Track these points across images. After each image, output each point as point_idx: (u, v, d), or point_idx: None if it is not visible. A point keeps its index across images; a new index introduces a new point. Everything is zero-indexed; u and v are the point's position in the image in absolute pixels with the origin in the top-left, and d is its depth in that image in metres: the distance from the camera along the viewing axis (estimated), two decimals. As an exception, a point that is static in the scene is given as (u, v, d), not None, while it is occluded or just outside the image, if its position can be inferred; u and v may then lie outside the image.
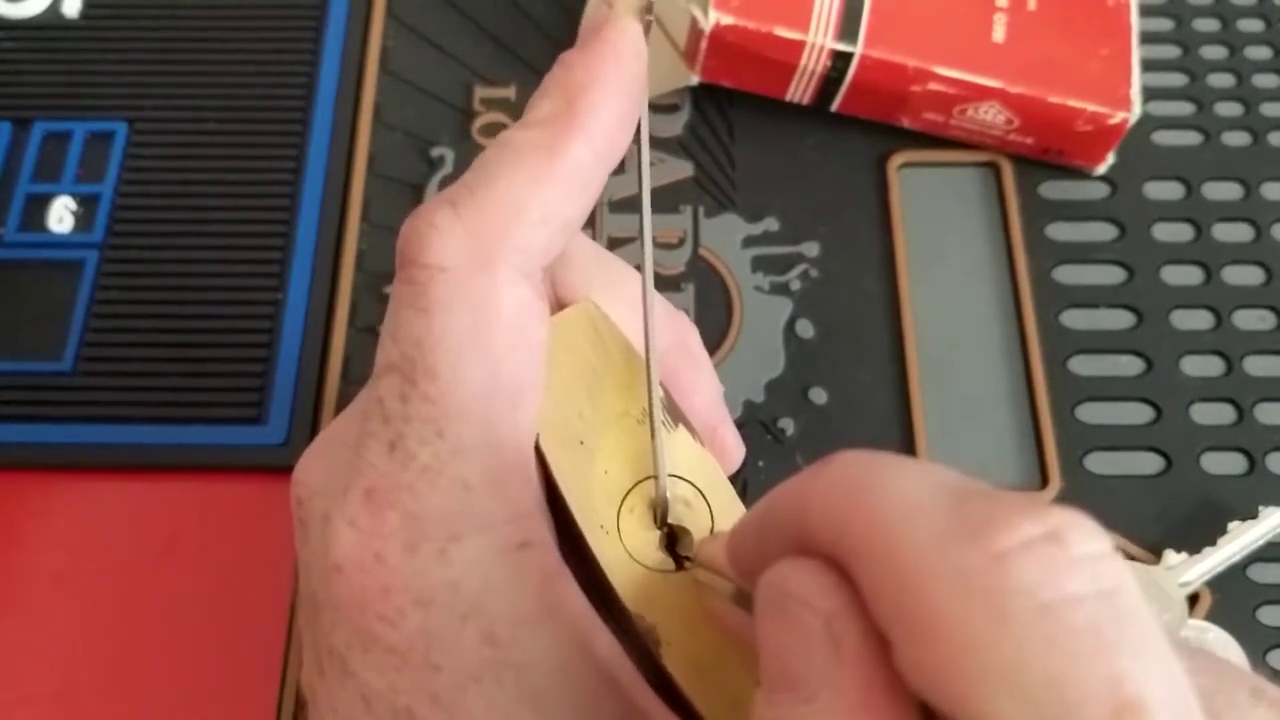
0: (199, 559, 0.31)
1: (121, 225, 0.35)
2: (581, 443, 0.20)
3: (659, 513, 0.20)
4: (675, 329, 0.23)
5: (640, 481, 0.20)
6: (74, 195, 0.35)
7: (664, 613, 0.19)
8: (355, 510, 0.18)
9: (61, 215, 0.35)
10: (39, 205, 0.35)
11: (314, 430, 0.32)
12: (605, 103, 0.19)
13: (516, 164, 0.19)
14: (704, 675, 0.19)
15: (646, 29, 0.20)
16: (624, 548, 0.19)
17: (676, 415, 0.21)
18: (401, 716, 0.17)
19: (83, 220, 0.35)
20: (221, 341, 0.33)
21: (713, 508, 0.20)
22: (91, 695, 0.29)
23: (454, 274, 0.18)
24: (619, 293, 0.21)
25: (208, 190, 0.36)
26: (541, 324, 0.19)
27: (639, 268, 0.21)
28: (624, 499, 0.20)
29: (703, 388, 0.23)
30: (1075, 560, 0.12)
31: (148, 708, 0.29)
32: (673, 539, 0.20)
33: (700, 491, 0.20)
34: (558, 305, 0.21)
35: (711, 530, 0.20)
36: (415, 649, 0.17)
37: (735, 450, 0.24)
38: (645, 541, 0.19)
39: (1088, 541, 0.12)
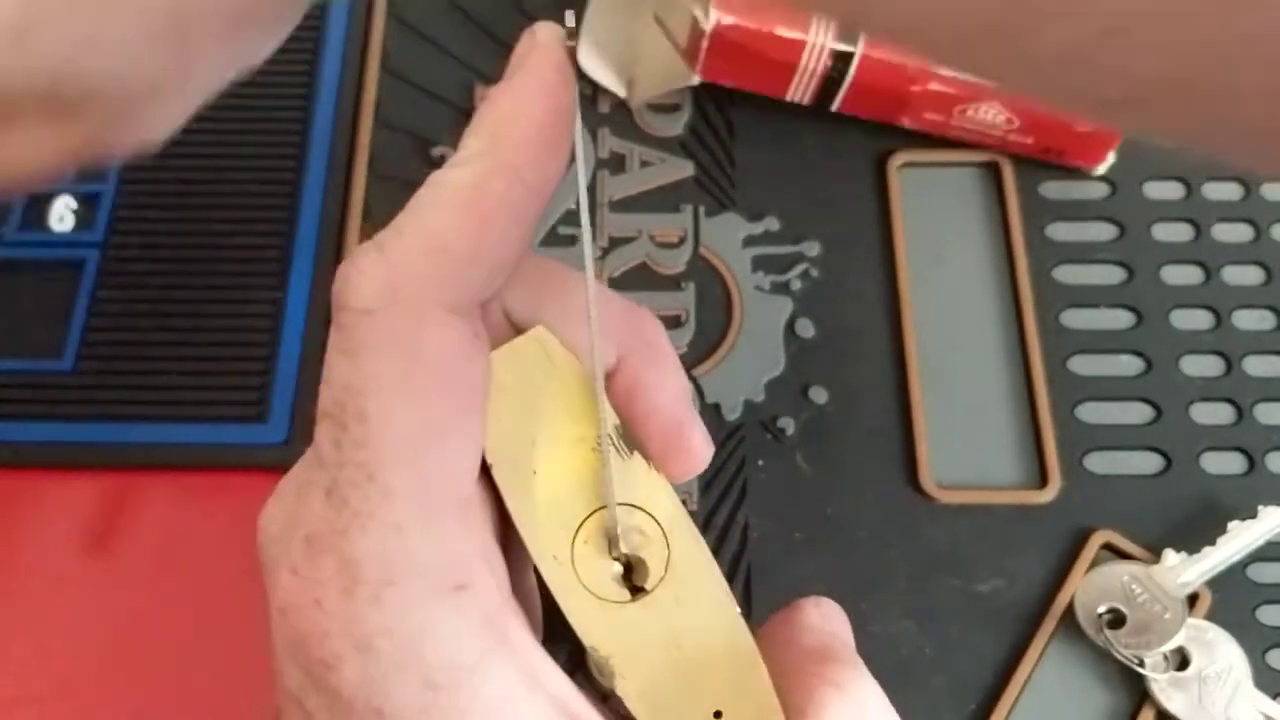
0: (200, 559, 0.31)
1: (122, 224, 0.35)
2: (535, 472, 0.20)
3: (612, 543, 0.20)
4: (639, 327, 0.23)
5: (595, 511, 0.20)
6: (75, 194, 0.35)
7: (618, 644, 0.19)
8: (296, 557, 0.18)
9: (62, 214, 0.35)
10: (40, 204, 0.35)
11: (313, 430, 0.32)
12: (530, 137, 0.19)
13: (443, 204, 0.19)
14: (660, 706, 0.19)
15: (571, 55, 0.20)
16: (577, 578, 0.19)
17: (631, 443, 0.20)
18: None
19: (83, 219, 0.35)
20: (222, 340, 0.33)
21: (669, 538, 0.20)
22: (91, 695, 0.29)
23: (379, 317, 0.18)
24: (570, 307, 0.21)
25: (208, 190, 0.36)
26: (474, 363, 0.19)
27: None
28: (579, 529, 0.20)
29: (667, 386, 0.23)
30: None
31: (147, 707, 0.29)
32: (629, 569, 0.20)
33: (656, 521, 0.20)
34: (511, 329, 0.21)
35: (667, 563, 0.20)
36: (358, 695, 0.17)
37: (702, 449, 0.23)
38: (600, 572, 0.19)
39: None
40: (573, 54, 0.20)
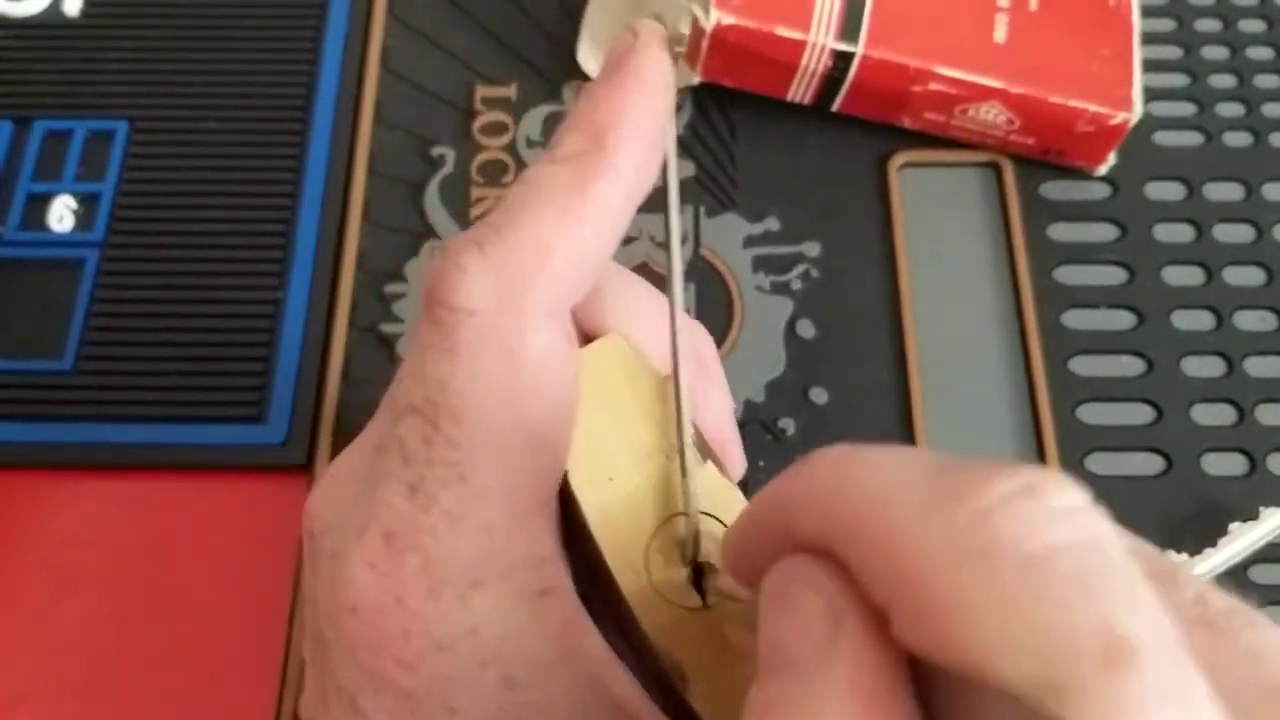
0: (199, 559, 0.31)
1: (122, 224, 0.35)
2: (610, 479, 0.20)
3: (687, 550, 0.20)
4: (691, 340, 0.23)
5: (669, 517, 0.20)
6: (74, 194, 0.35)
7: (691, 650, 0.19)
8: (375, 553, 0.18)
9: (62, 214, 0.35)
10: (39, 204, 0.35)
11: (314, 429, 0.32)
12: (633, 140, 0.19)
13: (544, 205, 0.18)
14: (731, 712, 0.19)
15: (675, 60, 0.20)
16: (651, 584, 0.19)
17: (705, 450, 0.20)
18: None
19: (83, 219, 0.35)
20: (221, 341, 0.33)
21: None
22: (91, 694, 0.29)
23: (481, 317, 0.18)
24: (642, 315, 0.21)
25: (208, 190, 0.36)
26: (568, 367, 0.19)
27: (665, 279, 0.21)
28: (653, 535, 0.20)
29: (715, 402, 0.23)
30: (1053, 512, 0.12)
31: (147, 707, 0.29)
32: (700, 575, 0.20)
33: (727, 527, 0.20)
34: (581, 333, 0.21)
35: None
36: (433, 694, 0.17)
37: (738, 468, 0.24)
38: (673, 578, 0.19)
39: (1064, 494, 0.12)
40: (676, 59, 0.20)
